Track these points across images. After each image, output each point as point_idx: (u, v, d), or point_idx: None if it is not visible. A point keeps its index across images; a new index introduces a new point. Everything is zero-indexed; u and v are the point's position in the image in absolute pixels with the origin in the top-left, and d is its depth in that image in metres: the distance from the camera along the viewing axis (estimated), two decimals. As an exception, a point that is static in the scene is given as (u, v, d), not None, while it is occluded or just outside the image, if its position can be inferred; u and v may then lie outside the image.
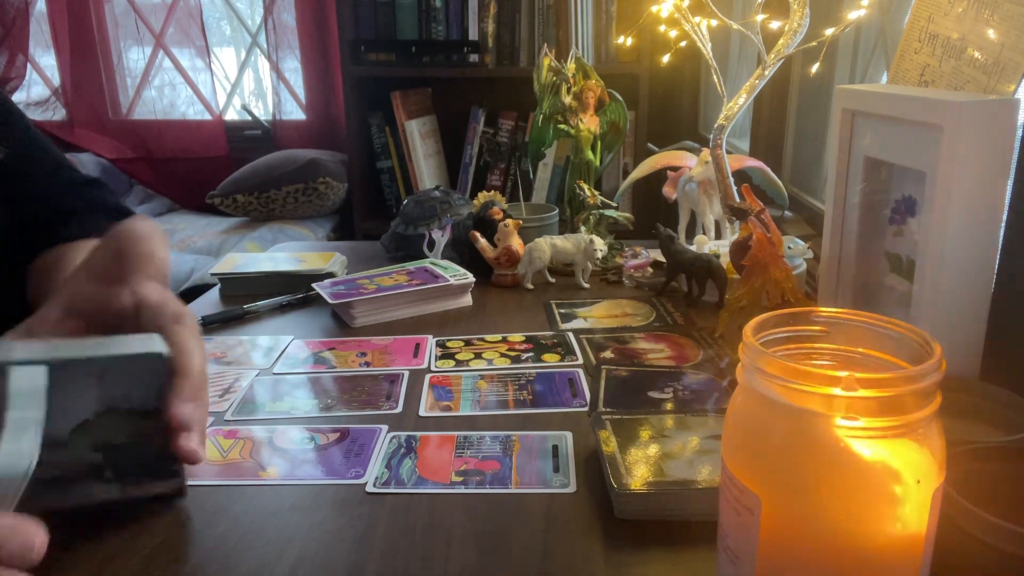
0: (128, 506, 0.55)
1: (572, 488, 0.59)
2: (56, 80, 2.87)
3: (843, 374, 0.34)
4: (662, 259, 1.04)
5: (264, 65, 2.93)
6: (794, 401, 0.35)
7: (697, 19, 1.01)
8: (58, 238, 0.75)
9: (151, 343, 0.52)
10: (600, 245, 1.04)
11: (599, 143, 1.18)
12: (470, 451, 0.64)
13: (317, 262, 1.10)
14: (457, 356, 0.84)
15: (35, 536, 0.41)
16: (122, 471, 0.53)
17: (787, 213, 1.33)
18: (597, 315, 0.96)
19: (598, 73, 1.16)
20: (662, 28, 1.06)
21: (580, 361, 0.82)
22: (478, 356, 0.84)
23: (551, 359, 0.83)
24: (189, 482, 0.60)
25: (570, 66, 1.16)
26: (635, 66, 2.30)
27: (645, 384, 0.73)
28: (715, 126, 1.02)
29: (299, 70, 2.78)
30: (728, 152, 1.04)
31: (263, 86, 3.01)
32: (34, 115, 2.82)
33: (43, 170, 0.81)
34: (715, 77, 1.04)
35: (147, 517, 0.56)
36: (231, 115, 2.97)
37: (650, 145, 2.05)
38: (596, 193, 1.16)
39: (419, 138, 2.46)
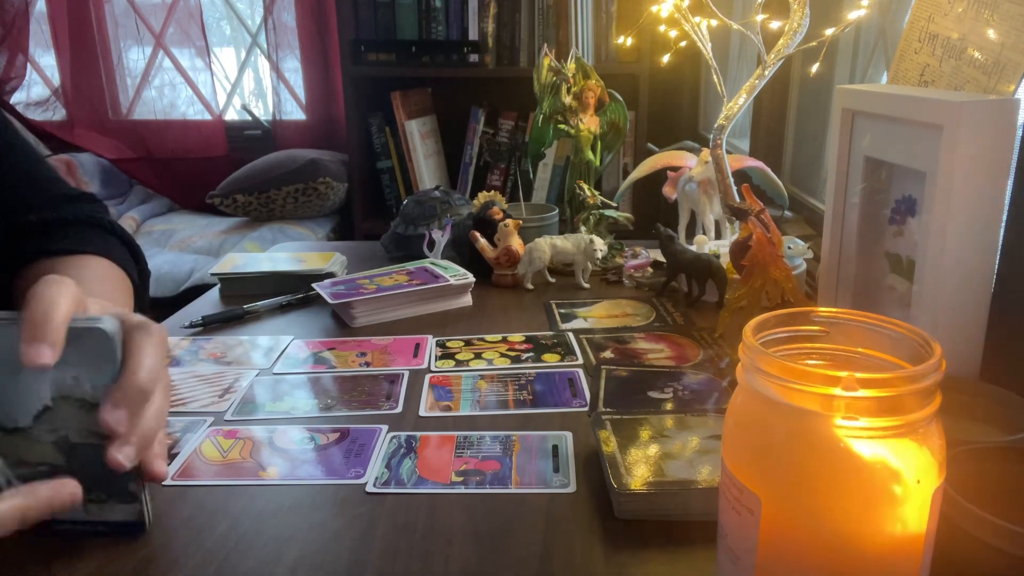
0: (84, 533, 0.53)
1: (572, 488, 0.59)
2: (56, 80, 2.86)
3: (843, 374, 0.34)
4: (662, 259, 1.04)
5: (264, 65, 2.93)
6: (794, 401, 0.35)
7: (697, 19, 1.01)
8: (47, 252, 0.73)
9: (98, 320, 0.50)
10: (600, 245, 1.04)
11: (599, 143, 1.18)
12: (470, 451, 0.64)
13: (317, 262, 1.10)
14: (457, 356, 0.84)
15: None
16: (82, 479, 0.50)
17: (787, 213, 1.33)
18: (597, 315, 0.96)
19: (598, 73, 1.16)
20: (662, 28, 1.06)
21: (580, 361, 0.82)
22: (478, 356, 0.84)
23: (551, 359, 0.83)
24: (193, 482, 0.60)
25: (570, 66, 1.16)
26: (635, 66, 2.30)
27: (645, 384, 0.73)
28: (715, 126, 1.02)
29: (299, 70, 2.77)
30: (728, 152, 1.04)
31: (263, 86, 3.01)
32: (34, 115, 2.82)
33: (21, 179, 0.79)
34: (715, 77, 1.04)
35: (147, 517, 0.56)
36: (231, 115, 2.97)
37: (650, 145, 2.05)
38: (596, 193, 1.16)
39: (419, 138, 2.46)
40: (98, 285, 0.71)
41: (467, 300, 1.01)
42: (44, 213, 0.77)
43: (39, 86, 2.89)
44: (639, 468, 0.56)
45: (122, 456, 0.48)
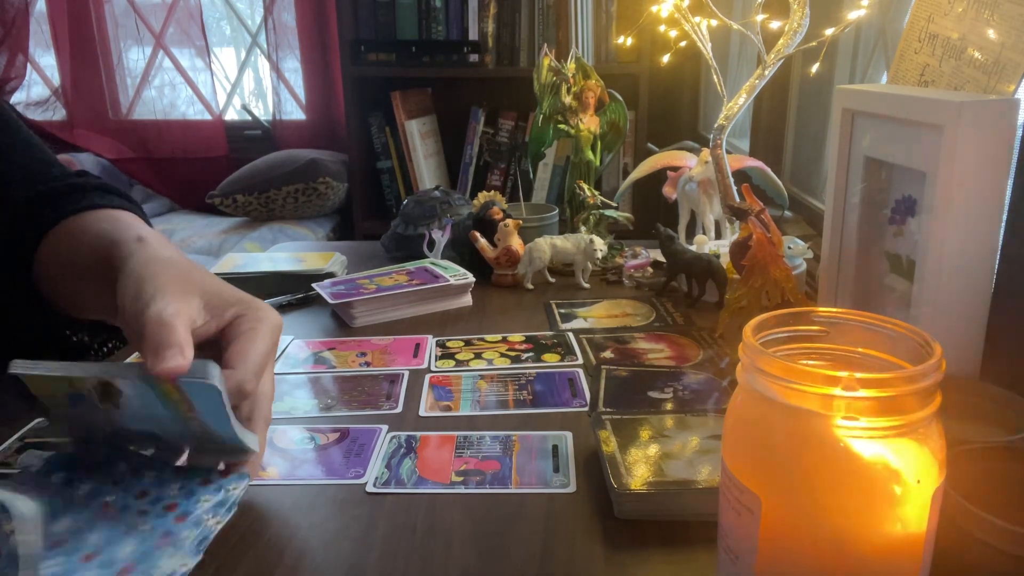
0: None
1: (572, 488, 0.59)
2: (56, 80, 2.86)
3: (843, 374, 0.34)
4: (662, 259, 1.04)
5: (264, 65, 2.93)
6: (794, 401, 0.35)
7: (697, 19, 1.01)
8: (65, 212, 0.69)
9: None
10: (600, 245, 1.04)
11: (599, 143, 1.18)
12: (470, 451, 0.64)
13: (317, 262, 1.10)
14: (457, 356, 0.84)
15: None
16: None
17: (787, 213, 1.33)
18: (597, 315, 0.96)
19: (598, 73, 1.16)
20: (662, 28, 1.06)
21: (580, 361, 0.82)
22: (478, 356, 0.84)
23: (551, 359, 0.83)
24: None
25: (570, 66, 1.16)
26: (635, 66, 2.30)
27: (645, 384, 0.73)
28: (715, 126, 1.02)
29: (299, 70, 2.78)
30: (728, 152, 1.04)
31: (263, 86, 3.01)
32: (34, 115, 2.82)
33: (24, 156, 0.77)
34: (715, 77, 1.04)
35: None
36: (231, 115, 2.97)
37: (650, 145, 2.05)
38: (596, 193, 1.16)
39: (419, 138, 2.46)
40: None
41: (467, 300, 1.01)
42: (56, 183, 0.73)
43: (39, 86, 2.89)
44: (639, 468, 0.56)
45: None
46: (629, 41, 1.30)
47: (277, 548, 0.52)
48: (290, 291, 1.03)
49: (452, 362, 0.83)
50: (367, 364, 0.83)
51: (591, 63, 1.84)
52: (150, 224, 0.77)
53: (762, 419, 0.37)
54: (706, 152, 1.08)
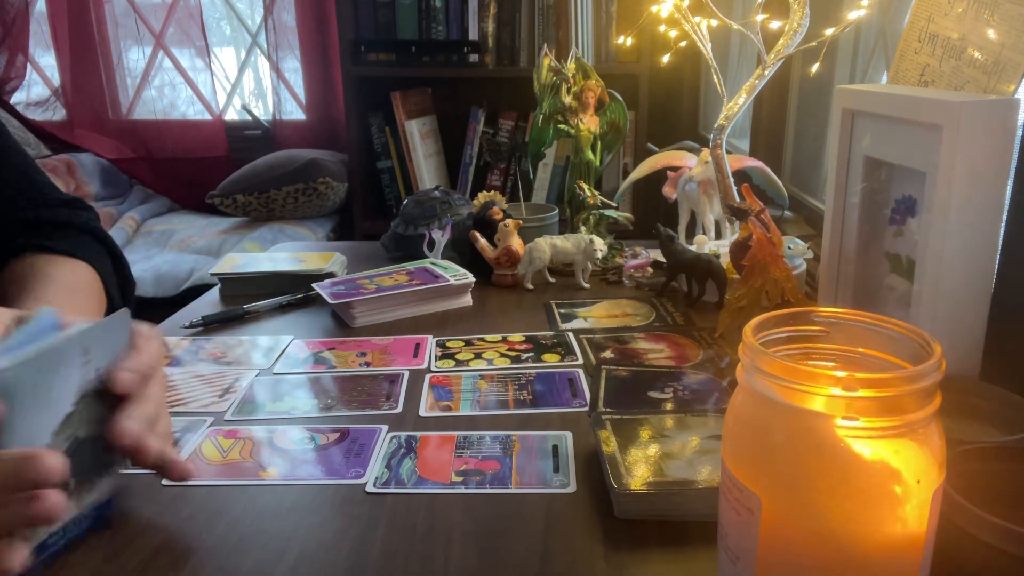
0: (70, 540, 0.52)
1: (572, 488, 0.59)
2: (56, 80, 2.86)
3: (843, 374, 0.34)
4: (662, 259, 1.04)
5: (264, 65, 2.93)
6: (794, 401, 0.35)
7: (697, 19, 1.01)
8: (38, 246, 0.74)
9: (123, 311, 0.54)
10: (600, 245, 1.04)
11: (599, 143, 1.18)
12: (470, 451, 0.64)
13: (317, 262, 1.10)
14: (457, 356, 0.84)
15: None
16: (78, 468, 0.50)
17: (787, 213, 1.33)
18: (597, 315, 0.96)
19: (598, 73, 1.16)
20: (662, 28, 1.06)
21: (580, 361, 0.82)
22: (478, 356, 0.84)
23: (551, 359, 0.83)
24: (193, 482, 0.60)
25: (570, 66, 1.16)
26: (635, 66, 2.30)
27: (645, 384, 0.73)
28: (715, 126, 1.02)
29: (299, 70, 2.77)
30: (728, 152, 1.04)
31: (263, 86, 3.01)
32: (34, 115, 2.82)
33: (15, 179, 0.80)
34: (715, 77, 1.04)
35: (148, 516, 0.56)
36: (231, 115, 2.97)
37: (650, 145, 2.05)
38: (596, 193, 1.16)
39: (419, 138, 2.46)
40: (73, 293, 0.72)
41: (467, 300, 1.01)
42: (39, 212, 0.78)
43: (39, 86, 2.89)
44: (639, 468, 0.56)
45: (131, 422, 0.51)
46: (629, 41, 1.30)
47: (277, 548, 0.52)
48: (290, 291, 1.03)
49: (452, 362, 0.83)
50: (367, 364, 0.83)
51: (591, 63, 1.84)
52: (119, 270, 0.79)
53: (762, 419, 0.37)
54: (706, 152, 1.08)
